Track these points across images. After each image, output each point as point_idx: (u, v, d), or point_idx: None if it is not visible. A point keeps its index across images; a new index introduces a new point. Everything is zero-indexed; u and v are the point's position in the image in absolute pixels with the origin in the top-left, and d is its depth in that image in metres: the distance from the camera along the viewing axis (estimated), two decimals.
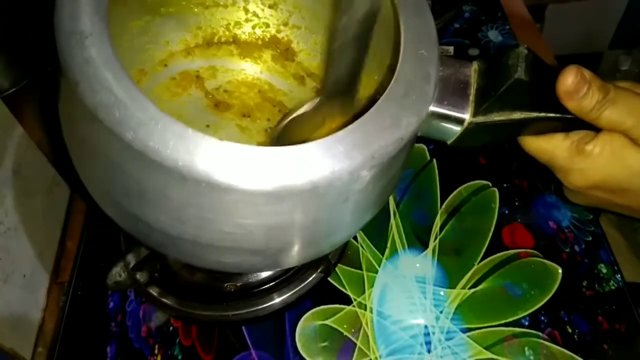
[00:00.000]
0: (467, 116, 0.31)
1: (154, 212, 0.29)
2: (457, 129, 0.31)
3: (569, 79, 0.29)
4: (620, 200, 0.33)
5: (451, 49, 0.60)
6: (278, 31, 0.46)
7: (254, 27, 0.46)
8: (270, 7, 0.45)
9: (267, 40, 0.46)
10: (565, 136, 0.32)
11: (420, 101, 0.29)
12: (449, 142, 0.33)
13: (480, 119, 0.31)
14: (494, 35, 0.65)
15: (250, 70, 0.47)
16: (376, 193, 0.31)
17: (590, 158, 0.31)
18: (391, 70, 0.30)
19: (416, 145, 0.55)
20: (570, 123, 0.31)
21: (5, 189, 0.46)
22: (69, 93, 0.27)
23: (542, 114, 0.31)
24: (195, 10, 0.44)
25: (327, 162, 0.26)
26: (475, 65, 0.32)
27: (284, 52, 0.47)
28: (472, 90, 0.31)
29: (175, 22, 0.44)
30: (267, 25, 0.46)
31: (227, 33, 0.46)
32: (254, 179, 0.25)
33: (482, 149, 0.55)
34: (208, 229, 0.28)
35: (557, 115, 0.31)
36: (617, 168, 0.31)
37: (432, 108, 0.30)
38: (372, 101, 0.29)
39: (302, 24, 0.45)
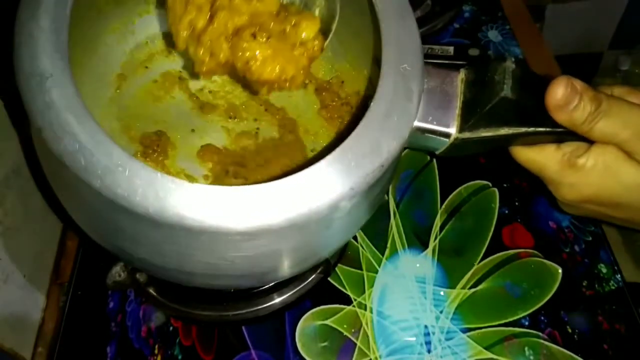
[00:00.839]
0: (453, 131, 0.30)
1: (134, 247, 0.29)
2: (444, 142, 0.31)
3: (559, 91, 0.28)
4: (613, 213, 0.32)
5: (451, 49, 0.60)
6: None
7: None
8: None
9: None
10: (557, 148, 0.31)
11: (402, 122, 0.28)
12: (437, 153, 0.32)
13: (466, 134, 0.30)
14: (494, 35, 0.65)
15: None
16: (360, 214, 0.30)
17: (582, 172, 0.30)
18: (377, 64, 0.29)
19: None
20: (562, 136, 0.30)
21: (5, 189, 0.46)
22: (35, 137, 0.27)
23: (532, 129, 0.30)
24: None
25: (303, 198, 0.25)
26: (462, 75, 0.31)
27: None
28: (458, 104, 0.30)
29: (154, 21, 0.43)
30: None
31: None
32: (227, 220, 0.24)
33: None
34: (189, 262, 0.28)
35: (547, 129, 0.30)
36: (609, 182, 0.30)
37: (417, 123, 0.29)
38: (357, 117, 0.28)
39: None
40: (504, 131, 0.30)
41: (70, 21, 0.26)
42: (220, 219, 0.24)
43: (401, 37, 0.30)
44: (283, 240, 0.27)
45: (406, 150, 0.54)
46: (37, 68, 0.24)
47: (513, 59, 0.29)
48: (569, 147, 0.31)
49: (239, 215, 0.24)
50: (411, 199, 0.51)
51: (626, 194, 0.30)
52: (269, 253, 0.28)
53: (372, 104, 0.28)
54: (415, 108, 0.29)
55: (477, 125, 0.30)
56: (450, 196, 0.51)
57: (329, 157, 0.26)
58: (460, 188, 0.52)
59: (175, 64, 0.45)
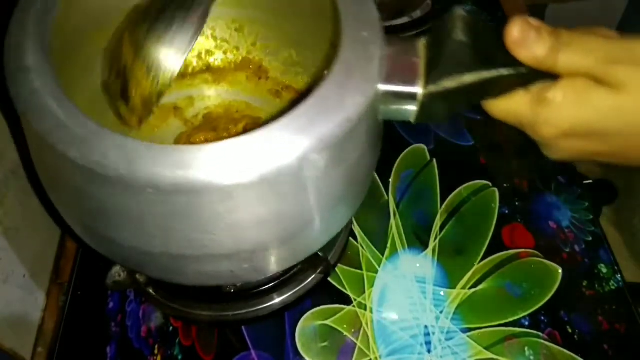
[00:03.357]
0: (418, 90, 0.30)
1: (117, 229, 0.29)
2: (414, 105, 0.31)
3: (515, 29, 0.28)
4: (597, 147, 0.31)
5: None
6: (249, 52, 0.47)
7: (225, 52, 0.47)
8: (236, 30, 0.46)
9: (239, 63, 0.47)
10: (525, 91, 0.31)
11: (364, 81, 0.29)
12: (412, 121, 0.32)
13: (432, 89, 0.30)
14: None
15: (226, 94, 0.48)
16: (339, 180, 0.30)
17: (553, 106, 0.30)
18: (336, 49, 0.30)
19: (416, 145, 0.55)
20: (528, 77, 0.30)
21: (5, 189, 0.46)
22: (23, 123, 0.29)
23: (494, 72, 0.30)
24: None
25: (272, 151, 0.26)
26: (423, 40, 0.31)
27: (257, 71, 0.47)
28: (422, 64, 0.30)
29: None
30: (238, 49, 0.47)
31: (200, 62, 0.48)
32: (197, 178, 0.25)
33: (482, 149, 0.55)
34: (172, 238, 0.29)
35: (511, 71, 0.30)
36: (584, 111, 0.30)
37: (383, 87, 0.30)
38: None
39: (270, 42, 0.46)
40: (468, 78, 0.30)
41: (55, 31, 0.29)
42: (190, 175, 0.25)
43: (359, 13, 0.31)
44: (259, 201, 0.28)
45: (406, 150, 0.55)
46: (23, 64, 0.28)
47: (463, 7, 0.30)
48: (537, 88, 0.30)
49: (208, 172, 0.25)
50: (411, 199, 0.51)
51: (603, 120, 0.30)
52: (248, 221, 0.28)
53: (332, 67, 0.29)
54: (376, 69, 0.29)
55: (439, 76, 0.30)
56: (450, 196, 0.51)
57: (293, 113, 0.27)
58: (460, 188, 0.52)
59: (170, 96, 0.47)
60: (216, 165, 0.25)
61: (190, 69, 0.47)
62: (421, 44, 0.31)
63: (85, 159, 0.25)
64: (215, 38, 0.46)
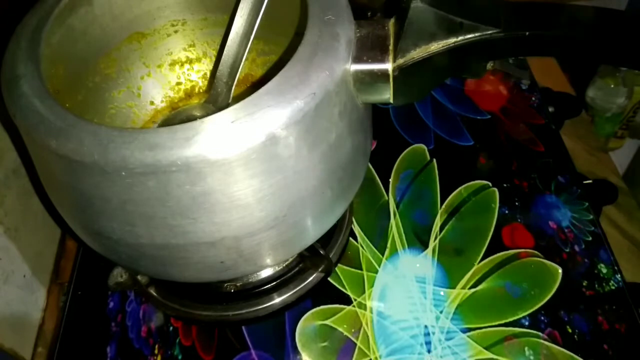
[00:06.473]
0: (388, 65, 0.30)
1: (103, 221, 0.30)
2: (387, 82, 0.30)
3: None
4: None
5: None
6: (250, 69, 0.47)
7: None
8: None
9: (241, 79, 0.47)
10: None
11: (329, 58, 0.29)
12: (392, 101, 0.32)
13: (400, 62, 0.30)
14: None
15: None
16: (318, 162, 0.30)
17: None
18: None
19: (416, 145, 0.55)
20: (496, 43, 0.29)
21: (5, 189, 0.46)
22: (15, 123, 0.30)
23: (461, 38, 0.29)
24: (172, 68, 0.47)
25: (238, 130, 0.26)
26: (393, 20, 0.31)
27: (257, 85, 0.47)
28: (391, 41, 0.31)
29: (156, 82, 0.46)
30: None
31: (205, 82, 0.48)
32: (164, 157, 0.25)
33: (482, 149, 0.55)
34: (154, 226, 0.29)
35: (477, 36, 0.29)
36: None
37: (354, 67, 0.30)
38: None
39: (270, 56, 0.46)
40: (435, 47, 0.30)
41: (45, 45, 0.32)
42: (157, 155, 0.25)
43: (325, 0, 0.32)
44: (233, 182, 0.27)
45: (406, 150, 0.55)
46: (15, 73, 0.30)
47: None
48: None
49: (177, 153, 0.25)
50: (411, 199, 0.51)
51: None
52: (225, 203, 0.28)
53: (298, 49, 0.29)
54: (343, 47, 0.29)
55: (406, 48, 0.30)
56: (450, 196, 0.51)
57: (258, 92, 0.27)
58: (460, 188, 0.52)
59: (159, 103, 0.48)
60: (182, 145, 0.25)
61: (197, 89, 0.48)
62: (390, 23, 0.31)
63: (64, 147, 0.27)
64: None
